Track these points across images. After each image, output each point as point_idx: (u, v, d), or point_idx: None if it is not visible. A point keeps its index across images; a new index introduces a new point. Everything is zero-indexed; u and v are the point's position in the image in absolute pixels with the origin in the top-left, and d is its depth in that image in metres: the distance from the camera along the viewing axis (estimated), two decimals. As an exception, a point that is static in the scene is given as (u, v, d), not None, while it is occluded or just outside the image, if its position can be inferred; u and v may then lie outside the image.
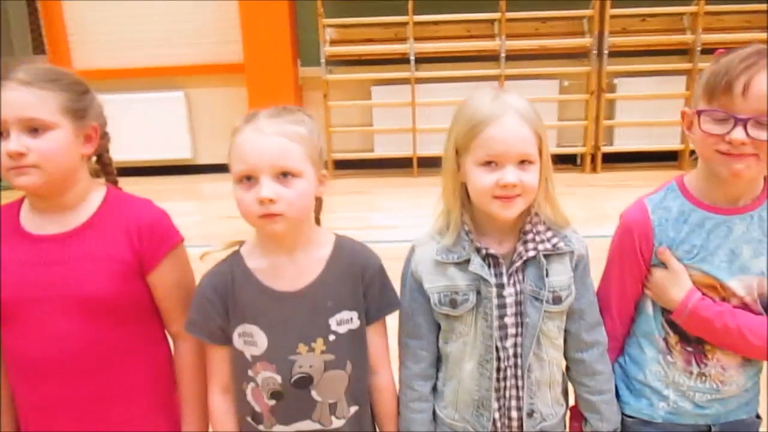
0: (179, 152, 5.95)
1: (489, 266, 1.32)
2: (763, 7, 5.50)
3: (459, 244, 1.34)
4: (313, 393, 1.31)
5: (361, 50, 5.69)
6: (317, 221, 1.40)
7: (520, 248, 1.32)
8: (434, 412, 1.43)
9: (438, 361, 1.42)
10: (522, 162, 1.26)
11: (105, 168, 1.44)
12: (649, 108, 5.67)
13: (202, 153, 6.02)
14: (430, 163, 5.63)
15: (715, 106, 1.24)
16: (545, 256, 1.33)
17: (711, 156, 1.27)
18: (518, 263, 1.32)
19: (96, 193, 1.37)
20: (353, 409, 1.37)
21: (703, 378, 1.37)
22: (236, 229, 1.37)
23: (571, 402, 1.48)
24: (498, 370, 1.34)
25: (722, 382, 1.37)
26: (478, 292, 1.32)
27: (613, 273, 1.42)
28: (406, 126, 5.74)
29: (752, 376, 1.39)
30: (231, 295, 1.30)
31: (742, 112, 1.22)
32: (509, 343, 1.33)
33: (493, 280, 1.31)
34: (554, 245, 1.33)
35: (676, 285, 1.33)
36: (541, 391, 1.38)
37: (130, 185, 1.47)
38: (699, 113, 1.27)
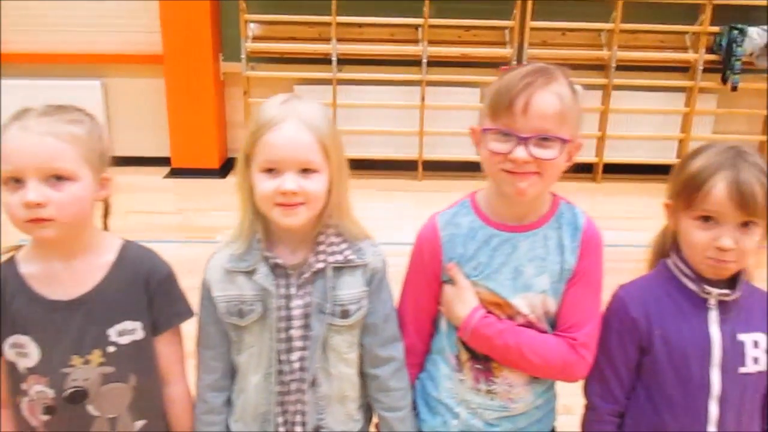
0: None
1: (278, 276, 1.31)
2: (677, 27, 5.66)
3: (249, 253, 1.32)
4: (90, 408, 1.28)
5: (283, 48, 5.64)
6: (105, 226, 1.37)
7: (312, 259, 1.32)
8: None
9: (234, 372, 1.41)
10: (305, 170, 1.25)
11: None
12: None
13: (118, 144, 5.87)
14: (351, 165, 5.62)
15: (499, 124, 1.26)
16: (337, 268, 1.32)
17: (496, 174, 1.29)
18: (307, 274, 1.31)
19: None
20: (139, 423, 1.34)
21: (492, 395, 1.39)
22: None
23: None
24: (282, 383, 1.33)
25: (510, 399, 1.39)
26: (266, 303, 1.31)
27: (408, 289, 1.43)
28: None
29: (541, 394, 1.42)
30: (2, 303, 1.25)
31: (523, 130, 1.24)
32: (295, 356, 1.32)
33: (278, 291, 1.30)
34: (346, 257, 1.33)
35: (461, 302, 1.34)
36: (332, 406, 1.38)
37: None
38: (484, 131, 1.28)
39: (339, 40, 5.59)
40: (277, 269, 1.31)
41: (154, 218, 4.63)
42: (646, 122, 5.86)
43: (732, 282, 1.30)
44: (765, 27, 5.47)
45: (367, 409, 1.47)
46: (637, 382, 1.35)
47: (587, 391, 1.41)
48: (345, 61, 5.69)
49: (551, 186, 1.33)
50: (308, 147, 1.25)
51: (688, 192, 1.27)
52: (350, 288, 1.33)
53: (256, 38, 5.64)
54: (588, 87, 5.70)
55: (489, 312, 1.34)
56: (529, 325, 1.35)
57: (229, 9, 5.55)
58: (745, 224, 1.23)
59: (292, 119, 1.25)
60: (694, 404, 1.29)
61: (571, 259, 1.33)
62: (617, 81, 5.59)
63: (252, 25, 5.62)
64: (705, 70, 5.64)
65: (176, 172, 5.66)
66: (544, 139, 1.25)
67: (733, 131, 5.92)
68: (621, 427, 1.38)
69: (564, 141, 1.25)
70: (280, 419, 1.35)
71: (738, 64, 5.47)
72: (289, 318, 1.32)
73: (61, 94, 5.41)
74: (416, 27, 5.63)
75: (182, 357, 1.40)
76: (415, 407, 1.46)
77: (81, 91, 5.49)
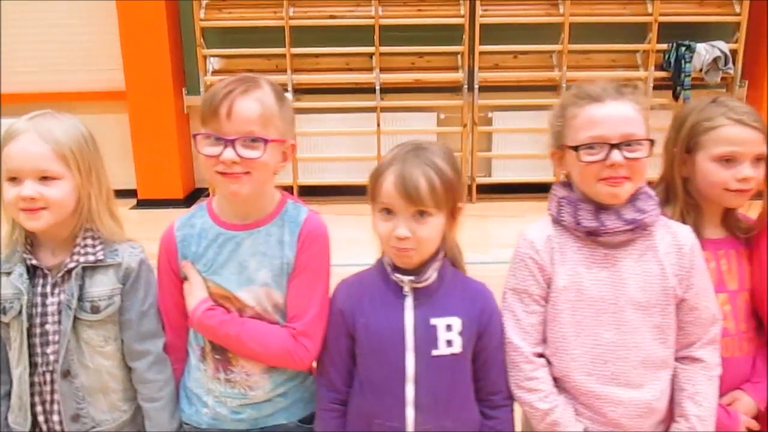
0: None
1: (36, 277, 1.44)
2: (625, 47, 5.73)
3: (12, 256, 1.46)
4: None
5: (242, 80, 5.84)
6: None
7: (67, 260, 1.44)
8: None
9: None
10: (44, 177, 1.39)
11: None
12: (525, 141, 5.85)
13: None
14: (311, 192, 5.77)
15: (208, 129, 1.38)
16: (90, 267, 1.44)
17: (213, 177, 1.41)
18: (61, 274, 1.43)
19: None
20: None
21: (231, 384, 1.49)
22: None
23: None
24: (38, 374, 1.45)
25: (249, 387, 1.48)
26: (21, 301, 1.44)
27: (159, 288, 1.54)
28: (286, 154, 5.86)
29: (284, 383, 1.51)
30: None
31: (230, 133, 1.36)
32: (50, 349, 1.44)
33: (34, 290, 1.43)
34: (97, 258, 1.45)
35: (191, 295, 1.45)
36: (93, 397, 1.49)
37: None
38: (195, 137, 1.40)
39: (296, 70, 5.79)
40: (36, 270, 1.44)
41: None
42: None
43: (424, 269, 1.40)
44: (712, 42, 5.52)
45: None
46: (354, 370, 1.44)
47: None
48: (303, 90, 5.87)
49: (266, 184, 1.44)
50: (44, 157, 1.39)
51: (371, 187, 1.38)
52: (102, 286, 1.46)
53: (216, 72, 5.86)
54: (542, 108, 5.79)
55: (220, 305, 1.45)
56: (259, 316, 1.45)
57: (191, 44, 5.79)
58: (420, 214, 1.33)
59: (29, 132, 1.39)
60: (393, 387, 1.38)
61: (290, 253, 1.44)
62: (569, 101, 5.66)
63: (213, 59, 5.85)
64: (657, 87, 5.70)
65: (143, 203, 5.85)
66: (252, 141, 1.37)
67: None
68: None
69: (268, 141, 1.37)
70: (39, 408, 1.46)
71: (687, 80, 5.52)
72: (44, 314, 1.44)
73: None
74: (370, 55, 5.80)
75: None
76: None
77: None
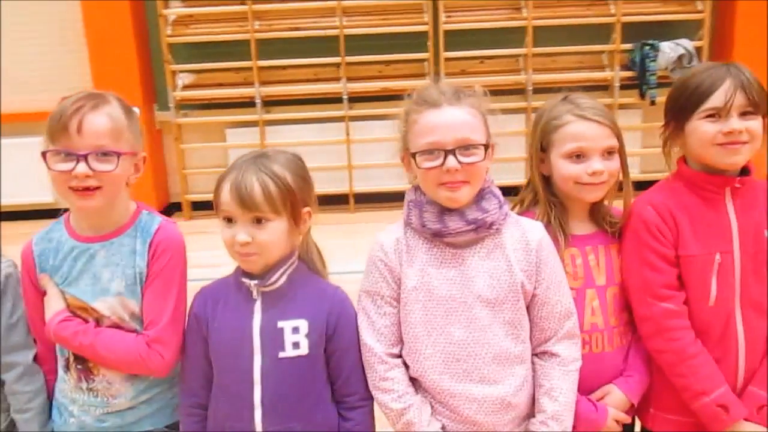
0: (41, 196, 6.07)
1: None
2: (589, 48, 5.73)
3: None
4: None
5: (211, 94, 5.89)
6: None
7: None
8: None
9: None
10: None
11: None
12: (497, 145, 5.83)
13: (64, 196, 6.16)
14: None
15: (59, 145, 1.41)
16: None
17: (65, 193, 1.43)
18: None
19: None
20: None
21: (94, 393, 1.51)
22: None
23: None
24: None
25: (111, 395, 1.51)
26: None
27: (24, 300, 1.56)
28: (257, 166, 5.89)
29: (145, 389, 1.53)
30: None
31: (81, 149, 1.38)
32: None
33: None
34: None
35: (48, 307, 1.48)
36: None
37: None
38: (43, 154, 1.43)
39: (264, 82, 5.82)
40: None
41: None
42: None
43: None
44: (677, 41, 5.51)
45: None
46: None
47: None
48: (272, 102, 5.91)
49: (117, 197, 1.47)
50: None
51: (213, 197, 1.43)
52: None
53: (187, 87, 5.91)
54: (510, 112, 5.80)
55: (78, 316, 1.47)
56: (116, 326, 1.47)
57: (160, 61, 5.84)
58: (258, 220, 1.38)
59: None
60: (241, 389, 1.39)
61: (141, 262, 1.46)
62: (535, 104, 5.67)
63: (183, 74, 5.90)
64: (624, 87, 5.69)
65: (117, 219, 5.89)
66: (104, 154, 1.39)
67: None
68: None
69: (120, 154, 1.40)
70: None
71: (653, 79, 5.50)
72: None
73: (8, 153, 5.62)
74: (337, 65, 5.83)
75: None
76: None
77: (20, 148, 5.81)
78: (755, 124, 1.48)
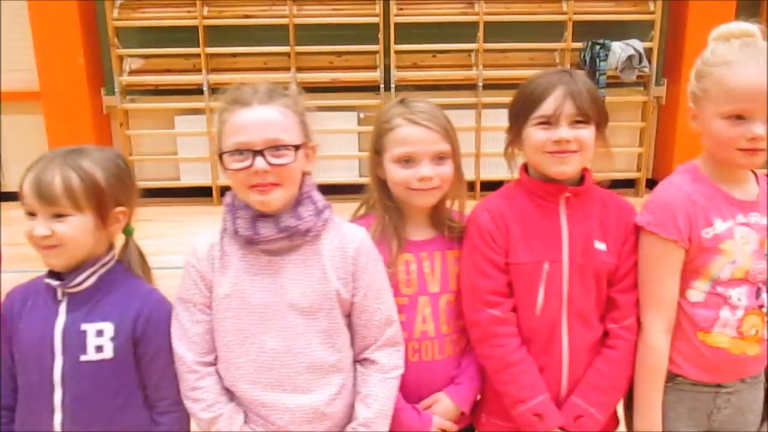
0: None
1: None
2: (540, 45, 5.70)
3: None
4: None
5: (159, 80, 5.82)
6: None
7: None
8: None
9: None
10: None
11: None
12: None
13: (9, 180, 6.07)
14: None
15: None
16: None
17: None
18: None
19: None
20: None
21: None
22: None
23: None
24: None
25: None
26: None
27: None
28: (204, 155, 5.84)
29: None
30: None
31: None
32: None
33: None
34: None
35: None
36: None
37: None
38: None
39: (214, 70, 5.76)
40: None
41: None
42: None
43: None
44: (627, 41, 5.49)
45: None
46: None
47: None
48: (221, 90, 5.82)
49: None
50: None
51: None
52: None
53: (135, 72, 5.83)
54: (461, 107, 5.76)
55: None
56: None
57: (107, 45, 5.75)
58: (57, 215, 1.34)
59: None
60: (41, 392, 1.36)
61: None
62: (486, 100, 5.64)
63: (131, 59, 5.81)
64: (575, 86, 5.65)
65: (61, 204, 5.81)
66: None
67: (614, 144, 5.88)
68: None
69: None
70: None
71: (603, 79, 5.48)
72: None
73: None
74: (288, 55, 5.76)
75: None
76: None
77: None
78: (585, 133, 1.45)
